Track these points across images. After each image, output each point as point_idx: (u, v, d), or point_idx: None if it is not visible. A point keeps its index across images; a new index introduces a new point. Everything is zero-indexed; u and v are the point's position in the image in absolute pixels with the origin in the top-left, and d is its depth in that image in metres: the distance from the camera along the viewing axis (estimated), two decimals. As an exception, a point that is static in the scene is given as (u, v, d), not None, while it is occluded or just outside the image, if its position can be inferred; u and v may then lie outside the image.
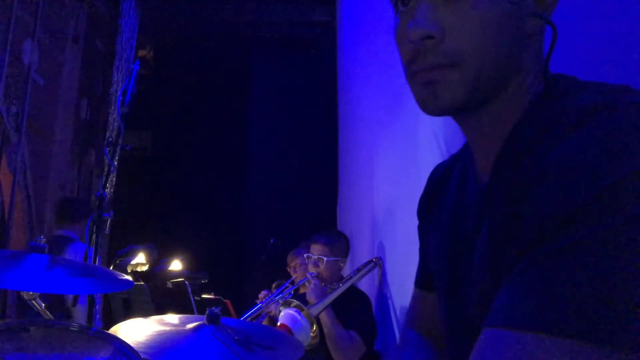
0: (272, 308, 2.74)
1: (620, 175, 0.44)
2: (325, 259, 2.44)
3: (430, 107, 0.60)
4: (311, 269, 2.50)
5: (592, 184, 0.45)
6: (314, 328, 2.04)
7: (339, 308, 2.26)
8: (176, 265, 3.46)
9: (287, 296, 2.64)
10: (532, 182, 0.50)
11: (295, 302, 2.08)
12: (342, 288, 2.28)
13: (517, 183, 0.53)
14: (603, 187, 0.45)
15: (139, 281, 2.47)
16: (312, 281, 2.38)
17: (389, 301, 2.60)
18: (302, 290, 2.69)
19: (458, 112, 0.62)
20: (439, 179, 0.81)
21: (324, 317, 2.19)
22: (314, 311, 2.08)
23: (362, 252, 3.25)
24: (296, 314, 2.01)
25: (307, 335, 2.01)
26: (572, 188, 0.46)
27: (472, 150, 0.68)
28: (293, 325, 1.98)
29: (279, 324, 2.02)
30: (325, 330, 2.19)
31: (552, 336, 0.43)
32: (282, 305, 2.10)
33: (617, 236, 0.44)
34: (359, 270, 2.58)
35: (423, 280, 0.85)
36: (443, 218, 0.74)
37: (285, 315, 2.03)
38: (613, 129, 0.47)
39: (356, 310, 2.34)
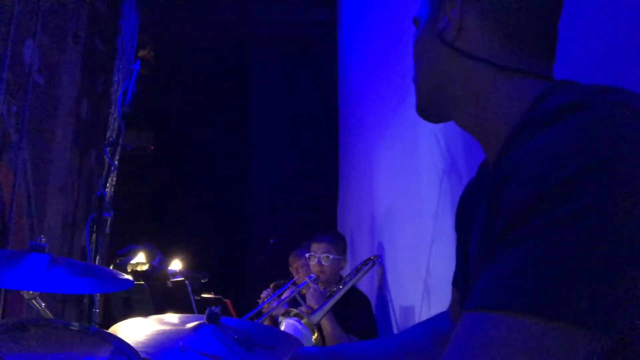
0: (273, 306, 2.73)
1: (582, 166, 0.47)
2: (331, 256, 2.47)
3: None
4: (314, 267, 2.51)
5: (557, 172, 0.47)
6: (315, 336, 2.04)
7: (339, 310, 2.26)
8: (176, 264, 3.45)
9: (288, 296, 2.64)
10: (506, 176, 0.53)
11: (295, 311, 2.09)
12: (341, 292, 2.29)
13: (496, 178, 0.56)
14: (567, 175, 0.47)
15: (139, 280, 2.47)
16: (312, 285, 2.39)
17: (389, 302, 2.60)
18: (304, 292, 2.69)
19: (437, 120, 0.78)
20: (467, 193, 0.85)
21: (324, 322, 2.19)
22: (314, 319, 2.09)
23: (362, 253, 3.25)
24: (297, 323, 2.02)
25: (309, 344, 2.01)
26: (539, 176, 0.48)
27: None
28: (294, 335, 1.99)
29: None
30: (326, 335, 2.19)
31: (517, 315, 0.44)
32: (282, 315, 2.11)
33: (573, 223, 0.45)
34: (357, 269, 2.59)
35: None
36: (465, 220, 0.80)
37: (286, 325, 2.04)
38: (580, 125, 0.49)
39: (357, 313, 2.34)
